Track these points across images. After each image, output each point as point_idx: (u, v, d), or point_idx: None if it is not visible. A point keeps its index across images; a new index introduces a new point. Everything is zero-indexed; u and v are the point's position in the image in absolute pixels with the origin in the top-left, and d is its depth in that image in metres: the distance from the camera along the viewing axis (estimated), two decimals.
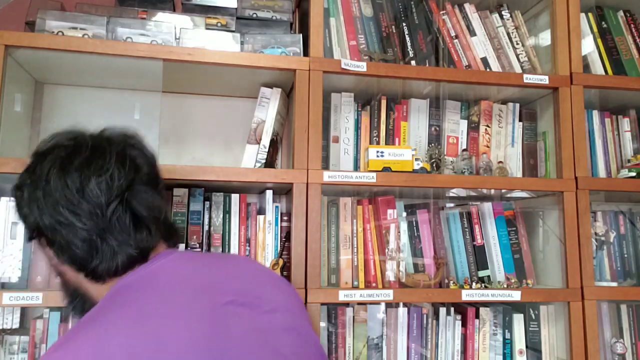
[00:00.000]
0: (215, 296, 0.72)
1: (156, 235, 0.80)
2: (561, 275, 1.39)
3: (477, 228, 1.45)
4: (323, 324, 1.31)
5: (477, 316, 1.37)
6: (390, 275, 1.36)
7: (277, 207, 1.33)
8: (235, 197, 1.32)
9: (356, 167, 1.42)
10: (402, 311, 1.35)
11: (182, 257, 0.82)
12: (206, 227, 1.29)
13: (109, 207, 0.74)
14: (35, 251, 1.18)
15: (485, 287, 1.36)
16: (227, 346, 0.67)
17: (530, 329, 1.40)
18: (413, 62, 1.43)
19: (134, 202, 0.77)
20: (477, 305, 1.40)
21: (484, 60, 1.48)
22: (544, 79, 1.43)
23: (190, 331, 0.66)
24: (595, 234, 1.49)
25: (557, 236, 1.42)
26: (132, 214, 0.76)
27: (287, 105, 1.48)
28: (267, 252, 1.30)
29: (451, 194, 1.55)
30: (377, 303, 1.33)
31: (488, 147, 1.50)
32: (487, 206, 1.48)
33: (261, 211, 1.34)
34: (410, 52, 1.45)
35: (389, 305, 1.35)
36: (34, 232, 0.79)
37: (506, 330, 1.38)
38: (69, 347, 0.64)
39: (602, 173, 1.53)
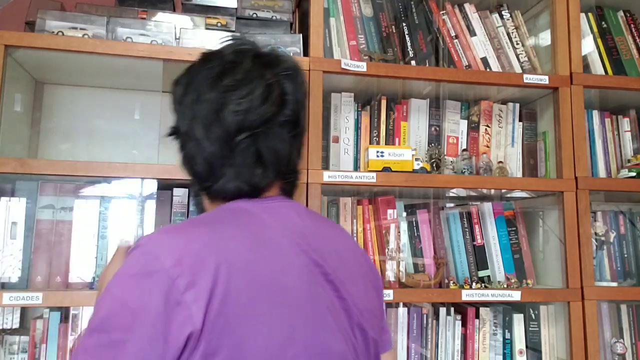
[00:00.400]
0: (312, 260, 0.71)
1: (273, 179, 0.78)
2: (561, 275, 1.39)
3: (477, 228, 1.45)
4: None
5: (477, 316, 1.37)
6: (390, 275, 1.36)
7: None
8: None
9: (356, 167, 1.42)
10: (402, 311, 1.35)
11: (297, 208, 0.79)
12: None
13: (236, 137, 0.72)
14: (35, 251, 1.18)
15: (485, 287, 1.36)
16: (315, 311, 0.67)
17: (530, 329, 1.40)
18: (413, 62, 1.43)
19: (262, 141, 0.74)
20: (477, 305, 1.40)
21: (484, 60, 1.48)
22: (544, 79, 1.43)
23: (296, 279, 0.67)
24: (595, 234, 1.49)
25: (557, 236, 1.42)
26: (256, 151, 0.74)
27: None
28: None
29: (451, 194, 1.55)
30: None
31: (488, 147, 1.50)
32: (487, 206, 1.48)
33: None
34: (410, 52, 1.45)
35: (389, 305, 1.35)
36: (173, 131, 0.81)
37: (506, 330, 1.38)
38: (185, 234, 0.64)
39: (602, 173, 1.53)
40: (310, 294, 0.67)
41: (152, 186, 1.26)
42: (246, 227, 0.69)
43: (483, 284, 1.38)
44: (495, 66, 1.48)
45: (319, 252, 0.72)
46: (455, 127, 1.50)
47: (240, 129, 0.72)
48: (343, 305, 0.72)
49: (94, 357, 0.57)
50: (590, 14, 1.57)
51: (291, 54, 1.37)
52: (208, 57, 0.80)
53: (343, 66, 1.32)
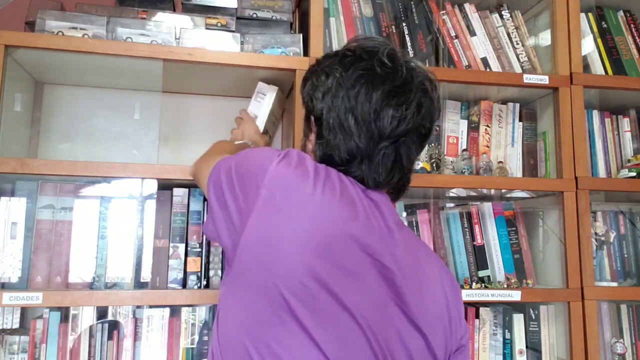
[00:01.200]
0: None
1: (391, 181, 0.82)
2: (561, 275, 1.39)
3: (477, 228, 1.45)
4: None
5: (477, 316, 1.37)
6: None
7: None
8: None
9: None
10: None
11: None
12: None
13: (384, 141, 0.78)
14: (35, 251, 1.18)
15: (485, 287, 1.36)
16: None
17: (530, 329, 1.40)
18: None
19: (402, 147, 0.79)
20: (477, 305, 1.40)
21: (484, 60, 1.48)
22: (544, 79, 1.43)
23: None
24: (595, 234, 1.49)
25: (557, 236, 1.42)
26: (395, 156, 0.79)
27: (282, 105, 1.48)
28: None
29: (451, 194, 1.55)
30: None
31: (488, 147, 1.50)
32: (487, 206, 1.47)
33: None
34: (410, 52, 1.45)
35: None
36: (309, 114, 0.85)
37: (506, 330, 1.38)
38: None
39: (602, 173, 1.53)
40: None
41: (152, 186, 1.26)
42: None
43: (483, 284, 1.38)
44: (495, 66, 1.48)
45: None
46: (455, 127, 1.50)
47: (391, 134, 0.77)
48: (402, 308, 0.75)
49: None
50: (590, 14, 1.57)
51: (291, 54, 1.37)
52: (362, 54, 0.81)
53: None
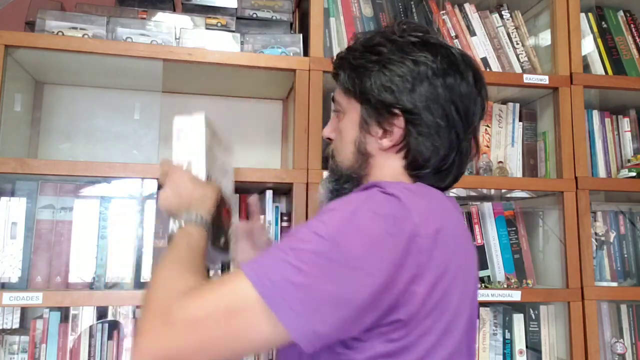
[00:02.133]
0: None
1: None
2: (561, 275, 1.39)
3: (477, 228, 1.45)
4: None
5: (477, 316, 1.37)
6: None
7: (277, 207, 1.33)
8: (235, 197, 1.32)
9: None
10: None
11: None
12: None
13: (469, 132, 0.78)
14: (35, 251, 1.18)
15: (486, 287, 1.36)
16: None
17: (530, 329, 1.40)
18: None
19: (464, 144, 0.78)
20: None
21: (484, 60, 1.48)
22: (544, 79, 1.43)
23: (472, 264, 0.77)
24: (595, 234, 1.49)
25: (557, 236, 1.42)
26: (460, 155, 0.78)
27: (214, 130, 1.04)
28: None
29: (451, 194, 1.55)
30: None
31: (488, 147, 1.50)
32: (487, 206, 1.47)
33: (261, 211, 1.34)
34: None
35: None
36: (389, 108, 0.75)
37: (506, 330, 1.38)
38: (426, 198, 0.69)
39: (602, 173, 1.53)
40: (475, 277, 0.78)
41: (152, 186, 1.26)
42: (452, 207, 0.76)
43: (483, 284, 1.38)
44: (495, 66, 1.48)
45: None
46: None
47: (473, 129, 0.79)
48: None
49: (309, 262, 0.58)
50: (590, 14, 1.57)
51: (291, 54, 1.37)
52: (428, 39, 0.77)
53: None
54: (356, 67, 0.78)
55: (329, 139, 0.86)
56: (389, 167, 0.78)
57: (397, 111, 0.74)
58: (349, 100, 0.80)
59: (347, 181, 0.81)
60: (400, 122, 0.75)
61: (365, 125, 0.78)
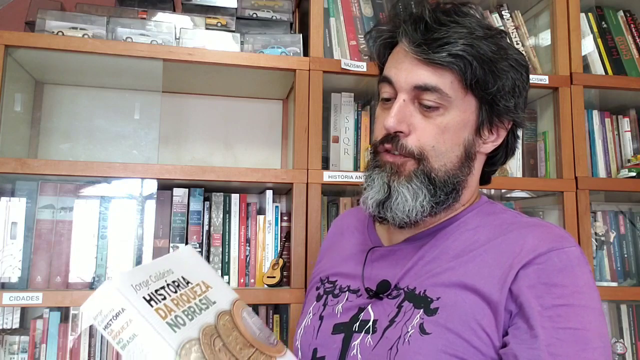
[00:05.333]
0: None
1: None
2: None
3: None
4: None
5: None
6: None
7: (277, 207, 1.33)
8: (235, 197, 1.32)
9: (356, 167, 1.42)
10: None
11: None
12: (206, 227, 1.29)
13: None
14: (35, 251, 1.18)
15: None
16: None
17: None
18: None
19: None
20: None
21: None
22: (544, 79, 1.43)
23: None
24: (595, 234, 1.49)
25: None
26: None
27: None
28: (267, 252, 1.30)
29: None
30: None
31: None
32: None
33: (261, 211, 1.34)
34: None
35: None
36: (506, 111, 0.72)
37: None
38: (571, 241, 0.66)
39: (602, 173, 1.53)
40: None
41: (152, 186, 1.26)
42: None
43: None
44: None
45: None
46: None
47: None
48: None
49: None
50: (590, 14, 1.57)
51: (291, 54, 1.37)
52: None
53: (343, 66, 1.32)
54: (491, 63, 0.68)
55: (398, 132, 0.69)
56: (478, 170, 0.75)
57: (507, 114, 0.72)
58: (465, 95, 0.69)
59: (450, 192, 0.71)
60: (508, 126, 0.74)
61: (481, 127, 0.71)
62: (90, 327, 1.21)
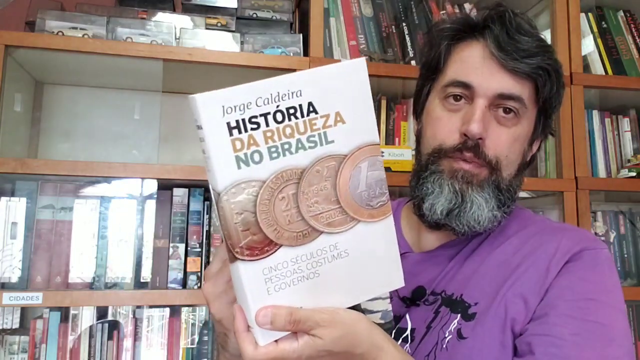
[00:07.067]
0: None
1: None
2: None
3: None
4: None
5: None
6: None
7: None
8: None
9: None
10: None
11: None
12: (206, 227, 1.29)
13: None
14: (35, 251, 1.18)
15: None
16: None
17: None
18: (413, 62, 1.43)
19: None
20: None
21: None
22: None
23: None
24: (596, 234, 1.49)
25: None
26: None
27: None
28: None
29: None
30: None
31: None
32: None
33: None
34: (410, 52, 1.45)
35: None
36: (551, 119, 0.74)
37: None
38: (602, 243, 0.68)
39: (602, 173, 1.53)
40: None
41: (152, 186, 1.26)
42: None
43: None
44: None
45: None
46: None
47: None
48: None
49: None
50: (590, 14, 1.57)
51: (291, 54, 1.37)
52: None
53: None
54: (558, 77, 0.69)
55: (480, 138, 0.67)
56: None
57: (551, 129, 0.75)
58: (534, 107, 0.70)
59: (513, 201, 0.71)
60: (543, 137, 0.75)
61: (535, 138, 0.73)
62: (90, 327, 1.22)
